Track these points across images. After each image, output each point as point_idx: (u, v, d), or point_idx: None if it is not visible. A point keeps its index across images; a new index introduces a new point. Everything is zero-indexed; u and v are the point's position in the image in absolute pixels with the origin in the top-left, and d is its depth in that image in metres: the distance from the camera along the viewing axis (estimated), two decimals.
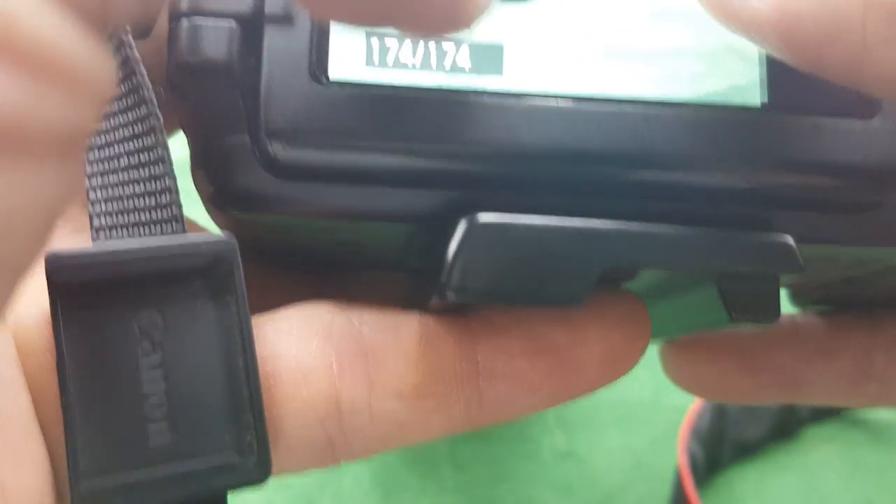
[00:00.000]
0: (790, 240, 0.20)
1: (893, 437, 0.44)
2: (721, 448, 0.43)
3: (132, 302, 0.18)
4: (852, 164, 0.20)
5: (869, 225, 0.21)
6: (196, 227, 0.22)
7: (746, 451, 0.44)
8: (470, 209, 0.20)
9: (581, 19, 0.21)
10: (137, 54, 0.19)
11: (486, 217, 0.19)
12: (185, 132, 0.20)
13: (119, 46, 0.19)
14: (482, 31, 0.20)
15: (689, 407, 0.42)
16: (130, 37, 0.19)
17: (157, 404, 0.18)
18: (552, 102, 0.20)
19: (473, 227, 0.19)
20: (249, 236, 0.21)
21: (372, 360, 0.20)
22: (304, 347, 0.20)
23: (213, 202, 0.20)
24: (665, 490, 0.43)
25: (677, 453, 0.43)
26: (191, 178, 0.20)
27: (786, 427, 0.44)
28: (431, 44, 0.20)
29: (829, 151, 0.20)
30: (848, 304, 0.28)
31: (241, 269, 0.19)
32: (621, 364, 0.21)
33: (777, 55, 0.18)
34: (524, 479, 0.43)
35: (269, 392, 0.19)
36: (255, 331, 0.19)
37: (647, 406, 0.45)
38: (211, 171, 0.20)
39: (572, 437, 0.44)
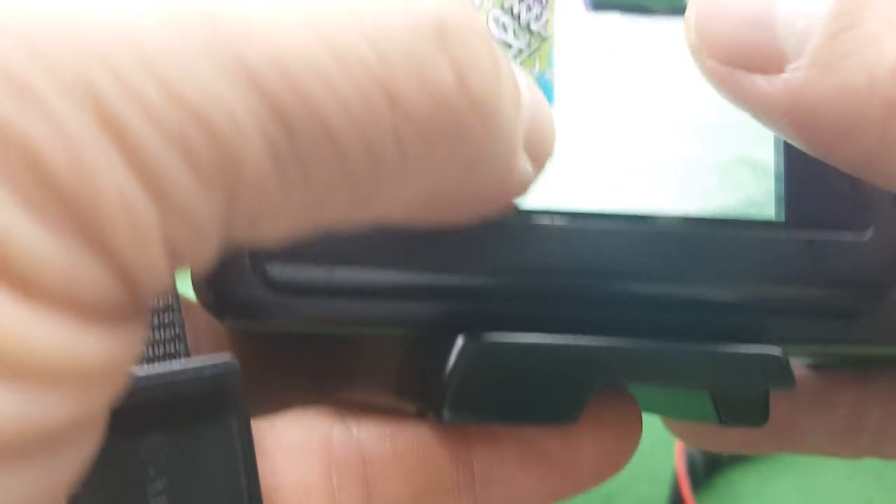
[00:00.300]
0: (783, 358, 0.21)
1: None
2: None
3: (138, 428, 0.18)
4: (848, 274, 0.21)
5: (863, 327, 0.21)
6: (194, 306, 0.23)
7: None
8: (466, 321, 0.20)
9: (588, 131, 0.22)
10: None
11: (481, 337, 0.20)
12: None
13: None
14: None
15: None
16: None
17: None
18: (550, 220, 0.20)
19: (469, 347, 0.20)
20: (249, 330, 0.22)
21: (370, 473, 0.20)
22: (304, 463, 0.20)
23: (212, 311, 0.21)
24: (665, 491, 0.44)
25: (675, 456, 0.43)
26: None
27: None
28: None
29: (827, 263, 0.21)
30: (842, 361, 0.28)
31: (243, 391, 0.19)
32: (614, 466, 0.21)
33: (786, 138, 0.18)
34: None
35: None
36: (256, 441, 0.19)
37: None
38: (211, 284, 0.20)
39: None
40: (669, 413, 0.26)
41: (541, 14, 0.21)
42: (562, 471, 0.21)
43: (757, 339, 0.21)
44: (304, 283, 0.20)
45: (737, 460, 0.44)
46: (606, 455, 0.21)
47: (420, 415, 0.21)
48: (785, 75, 0.17)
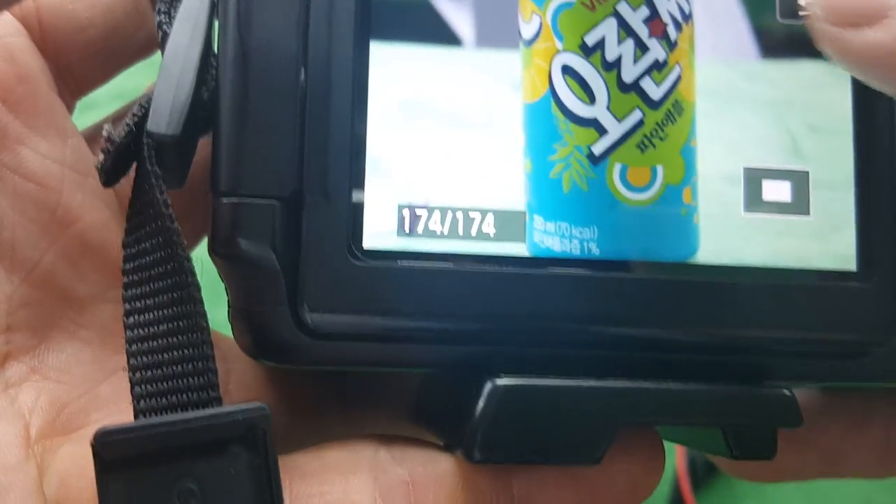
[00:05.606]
0: (792, 398, 0.22)
1: None
2: None
3: (172, 472, 0.19)
4: (854, 318, 0.23)
5: (866, 367, 0.23)
6: (215, 334, 0.22)
7: None
8: (492, 364, 0.21)
9: None
10: (177, 224, 0.20)
11: (509, 381, 0.21)
12: (224, 283, 0.22)
13: (157, 213, 0.20)
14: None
15: None
16: (168, 197, 0.20)
17: None
18: (572, 269, 0.22)
19: (497, 392, 0.21)
20: (282, 369, 0.23)
21: (414, 494, 0.21)
22: (349, 483, 0.21)
23: (250, 353, 0.22)
24: (665, 490, 0.43)
25: (675, 456, 0.42)
26: None
27: None
28: (459, 213, 0.22)
29: (833, 308, 0.23)
30: None
31: (273, 434, 0.20)
32: (644, 490, 0.22)
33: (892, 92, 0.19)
34: None
35: None
36: (302, 468, 0.21)
37: None
38: (251, 329, 0.22)
39: None
40: (684, 443, 0.27)
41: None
42: (597, 494, 0.22)
43: (765, 378, 0.22)
44: (339, 330, 0.21)
45: None
46: (636, 483, 0.22)
47: (448, 449, 0.22)
48: (891, 19, 0.18)
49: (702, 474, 0.43)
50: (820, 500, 0.43)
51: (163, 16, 0.22)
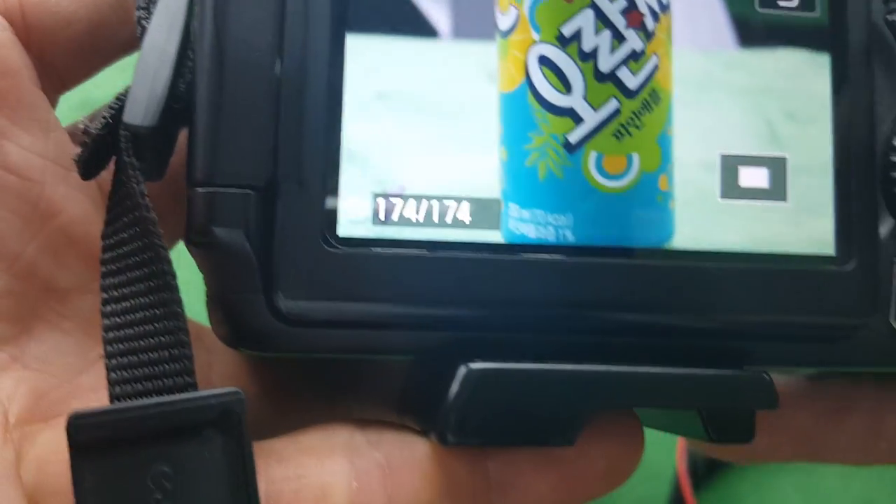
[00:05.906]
0: (769, 381, 0.22)
1: None
2: None
3: (146, 456, 0.20)
4: (832, 300, 0.23)
5: (844, 351, 0.24)
6: (197, 326, 0.24)
7: None
8: (468, 350, 0.21)
9: None
10: (154, 214, 0.20)
11: (483, 365, 0.21)
12: (201, 272, 0.22)
13: (134, 203, 0.20)
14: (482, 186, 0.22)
15: None
16: (144, 187, 0.20)
17: None
18: (546, 255, 0.22)
19: (471, 375, 0.21)
20: (262, 358, 0.24)
21: (390, 477, 0.21)
22: (325, 466, 0.21)
23: (227, 342, 0.22)
24: (665, 490, 0.43)
25: (676, 456, 0.42)
26: None
27: None
28: (434, 201, 0.22)
29: (812, 292, 0.23)
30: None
31: (247, 418, 0.20)
32: (621, 475, 0.22)
33: None
34: None
35: None
36: (279, 452, 0.21)
37: None
38: (227, 317, 0.22)
39: None
40: (663, 429, 0.27)
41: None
42: (574, 478, 0.22)
43: (744, 363, 0.22)
44: (314, 317, 0.21)
45: None
46: (614, 465, 0.22)
47: (424, 434, 0.22)
48: None
49: (702, 474, 0.42)
50: (820, 501, 0.43)
51: (142, 11, 0.22)
